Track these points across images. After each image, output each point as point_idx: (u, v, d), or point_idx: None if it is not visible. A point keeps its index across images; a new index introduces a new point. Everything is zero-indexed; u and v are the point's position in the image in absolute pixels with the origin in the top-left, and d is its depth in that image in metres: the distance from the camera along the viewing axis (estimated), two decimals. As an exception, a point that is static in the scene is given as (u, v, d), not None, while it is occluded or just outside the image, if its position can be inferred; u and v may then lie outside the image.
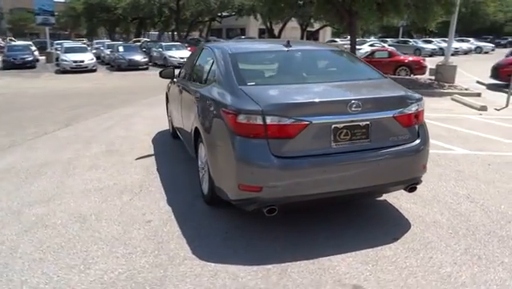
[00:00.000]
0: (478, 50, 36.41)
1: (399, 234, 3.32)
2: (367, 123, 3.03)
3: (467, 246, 3.14)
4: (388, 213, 3.73)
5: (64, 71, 19.91)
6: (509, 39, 45.94)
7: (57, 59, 22.60)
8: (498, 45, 41.49)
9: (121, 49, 22.37)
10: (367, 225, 3.48)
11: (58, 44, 26.88)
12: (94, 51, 24.80)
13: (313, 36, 36.00)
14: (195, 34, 47.26)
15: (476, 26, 37.67)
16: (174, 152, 5.83)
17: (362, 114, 2.98)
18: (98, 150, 6.04)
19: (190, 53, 5.84)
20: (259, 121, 2.88)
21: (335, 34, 44.90)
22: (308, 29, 33.43)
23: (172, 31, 44.54)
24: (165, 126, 7.33)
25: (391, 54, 15.96)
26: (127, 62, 21.00)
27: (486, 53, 36.66)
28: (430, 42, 34.58)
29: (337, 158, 2.97)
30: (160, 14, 34.67)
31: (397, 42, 32.47)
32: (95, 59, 21.10)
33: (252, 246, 3.15)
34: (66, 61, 20.06)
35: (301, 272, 2.78)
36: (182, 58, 22.27)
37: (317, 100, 3.02)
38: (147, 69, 21.68)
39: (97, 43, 29.93)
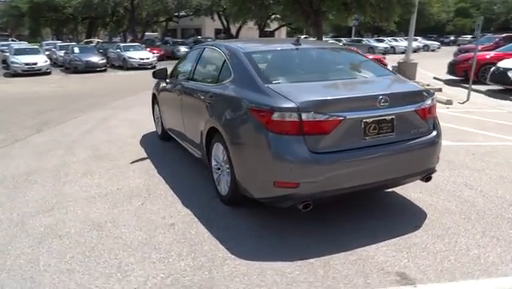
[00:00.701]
0: (426, 48, 38.59)
1: (418, 221, 3.50)
2: (393, 117, 3.16)
3: (483, 229, 3.37)
4: (402, 203, 3.90)
5: (15, 75, 18.77)
6: (452, 38, 49.22)
7: (4, 62, 21.26)
8: (442, 43, 44.28)
9: (77, 50, 21.44)
10: (386, 216, 3.63)
11: (3, 46, 25.24)
12: (47, 53, 23.52)
13: (269, 36, 36.41)
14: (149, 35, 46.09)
15: (422, 26, 39.80)
16: (168, 153, 5.72)
17: (389, 108, 3.11)
18: (85, 155, 5.79)
19: (187, 52, 5.71)
20: (295, 118, 2.92)
21: (290, 34, 45.63)
22: (265, 29, 33.81)
23: (124, 32, 43.21)
24: (149, 128, 7.16)
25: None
26: (84, 64, 20.16)
27: (433, 51, 38.96)
28: (382, 41, 36.14)
29: (367, 152, 3.08)
30: (113, 13, 33.53)
31: (351, 41, 33.57)
32: (48, 61, 20.05)
33: (286, 242, 3.18)
34: (16, 63, 18.90)
35: (343, 264, 2.86)
36: (142, 59, 21.76)
37: (350, 96, 3.12)
38: (105, 71, 20.94)
39: (47, 44, 28.42)
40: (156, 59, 22.55)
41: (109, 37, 48.31)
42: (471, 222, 3.48)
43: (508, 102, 10.03)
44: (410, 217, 3.59)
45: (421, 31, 40.98)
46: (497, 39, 19.65)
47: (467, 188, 4.28)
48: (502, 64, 10.85)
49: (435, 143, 3.42)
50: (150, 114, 7.94)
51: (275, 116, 2.95)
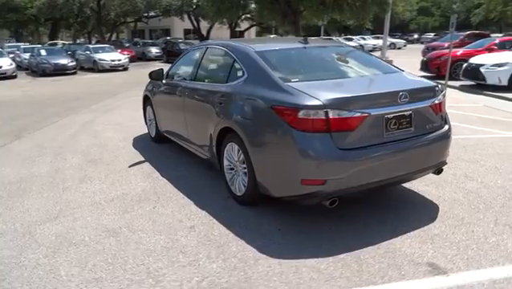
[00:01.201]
0: (392, 46, 39.69)
1: (433, 213, 3.61)
2: (411, 112, 3.24)
3: (494, 217, 3.51)
4: (412, 197, 4.01)
5: (-23, 79, 17.81)
6: (415, 36, 51.03)
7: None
8: (407, 41, 45.80)
9: (44, 52, 20.60)
10: (401, 209, 3.72)
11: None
12: (11, 56, 22.47)
13: (239, 36, 36.41)
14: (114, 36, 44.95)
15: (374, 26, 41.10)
16: (166, 156, 5.61)
17: (408, 104, 3.19)
18: (77, 161, 5.59)
19: (185, 53, 5.61)
20: (322, 116, 2.94)
21: (259, 34, 45.82)
22: (236, 29, 33.73)
23: (89, 33, 41.94)
24: (138, 131, 7.01)
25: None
26: (52, 66, 19.40)
27: (399, 48, 40.16)
28: (351, 39, 36.89)
29: (389, 147, 3.15)
30: (77, 14, 32.43)
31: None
32: (14, 65, 19.15)
33: (311, 239, 3.20)
34: (-21, 67, 17.94)
35: (374, 257, 2.90)
36: (113, 60, 21.21)
37: (373, 93, 3.18)
38: (75, 74, 20.25)
39: (9, 47, 27.15)
40: (128, 60, 22.02)
41: (73, 39, 46.75)
42: (481, 212, 3.63)
43: (481, 96, 10.49)
44: (423, 209, 3.70)
45: (370, 31, 42.23)
46: (461, 36, 20.48)
47: (468, 179, 4.45)
48: (474, 60, 11.34)
49: (448, 136, 3.53)
50: (135, 117, 7.79)
51: (301, 114, 2.96)
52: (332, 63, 4.01)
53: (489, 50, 13.22)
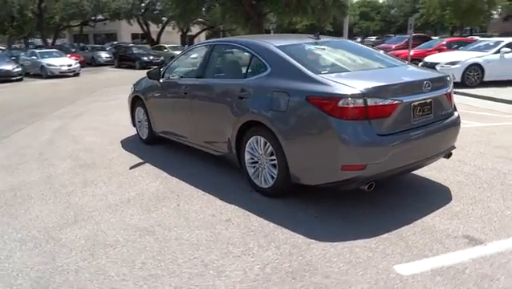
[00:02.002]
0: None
1: (447, 194, 3.90)
2: (431, 100, 3.51)
3: (500, 195, 3.87)
4: (422, 181, 4.29)
5: None
6: (358, 39, 53.58)
7: None
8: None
9: (-16, 58, 19.12)
10: (417, 193, 3.98)
11: None
12: None
13: (190, 40, 36.11)
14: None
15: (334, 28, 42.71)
16: (166, 156, 5.52)
17: (430, 92, 3.45)
18: (68, 166, 5.32)
19: (183, 52, 5.54)
20: (361, 104, 3.10)
21: (210, 37, 45.71)
22: (187, 33, 33.47)
23: (25, 38, 39.41)
24: (121, 135, 6.78)
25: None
26: (-5, 73, 18.06)
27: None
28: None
29: (416, 132, 3.38)
30: (14, 18, 30.33)
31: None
32: (-49, 71, 17.61)
33: (349, 223, 3.34)
34: None
35: (414, 234, 3.10)
36: (63, 66, 20.19)
37: (404, 82, 3.39)
38: (21, 80, 19.00)
39: None
40: (79, 66, 21.04)
41: (8, 44, 43.68)
42: (487, 191, 3.98)
43: (438, 93, 11.33)
44: (437, 191, 3.99)
45: (331, 33, 43.84)
46: (406, 39, 21.87)
47: (462, 164, 4.83)
48: (429, 59, 12.22)
49: (458, 122, 3.85)
50: (109, 121, 7.56)
51: (341, 103, 3.10)
52: (349, 55, 4.20)
53: (439, 50, 14.28)
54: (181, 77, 5.02)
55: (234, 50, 4.30)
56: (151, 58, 23.86)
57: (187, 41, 34.80)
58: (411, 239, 3.04)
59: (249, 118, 3.82)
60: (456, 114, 3.87)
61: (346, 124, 3.12)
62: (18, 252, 3.10)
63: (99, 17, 34.35)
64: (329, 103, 3.15)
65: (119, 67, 25.61)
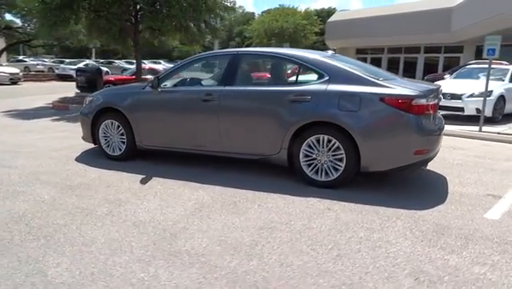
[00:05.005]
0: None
1: (442, 179, 4.96)
2: (435, 104, 4.65)
3: (486, 169, 5.38)
4: (423, 175, 5.00)
5: None
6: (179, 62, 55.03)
7: None
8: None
9: None
10: (427, 184, 4.77)
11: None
12: None
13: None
14: None
15: (159, 51, 42.64)
16: (173, 167, 5.26)
17: (436, 98, 4.56)
18: (55, 191, 4.38)
19: (184, 62, 5.37)
20: (424, 102, 4.09)
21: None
22: None
23: None
24: (74, 154, 5.95)
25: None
26: None
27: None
28: (132, 63, 36.94)
29: (437, 126, 4.52)
30: None
31: (108, 62, 33.15)
32: None
33: (389, 198, 4.16)
34: None
35: (451, 202, 4.13)
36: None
37: (435, 88, 4.51)
38: None
39: None
40: None
41: None
42: (484, 173, 5.21)
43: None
44: (441, 180, 4.84)
45: (154, 56, 43.71)
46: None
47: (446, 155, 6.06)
48: (449, 90, 9.95)
49: (443, 124, 4.99)
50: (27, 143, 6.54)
51: (415, 102, 4.02)
52: (365, 66, 5.07)
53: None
54: (202, 84, 5.02)
55: (275, 60, 4.70)
56: None
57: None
58: (460, 202, 4.10)
59: (312, 119, 4.27)
60: (441, 117, 5.05)
61: (417, 117, 4.05)
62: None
63: None
64: (405, 103, 4.02)
65: None
